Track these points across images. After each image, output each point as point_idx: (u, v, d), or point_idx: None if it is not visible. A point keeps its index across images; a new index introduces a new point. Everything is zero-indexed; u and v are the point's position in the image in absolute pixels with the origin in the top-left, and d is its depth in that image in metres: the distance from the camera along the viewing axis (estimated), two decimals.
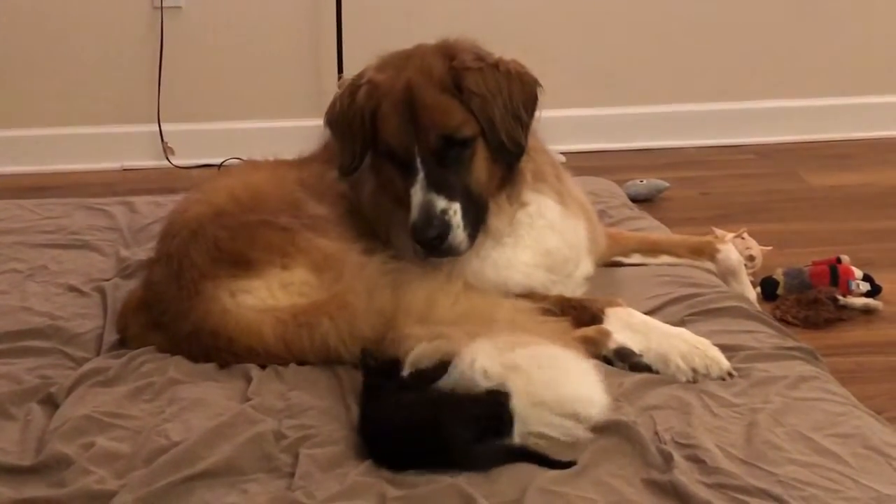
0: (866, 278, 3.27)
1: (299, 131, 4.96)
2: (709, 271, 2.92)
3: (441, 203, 2.35)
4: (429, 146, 2.37)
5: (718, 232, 3.40)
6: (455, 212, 2.36)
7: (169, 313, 2.43)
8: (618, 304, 2.46)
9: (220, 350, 2.35)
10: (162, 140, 5.04)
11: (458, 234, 2.37)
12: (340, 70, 4.88)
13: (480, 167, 2.43)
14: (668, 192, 4.37)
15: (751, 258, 3.37)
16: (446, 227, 2.35)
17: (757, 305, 2.93)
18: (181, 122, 5.04)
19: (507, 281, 2.53)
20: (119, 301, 2.70)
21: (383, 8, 5.06)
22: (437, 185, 2.36)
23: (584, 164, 4.30)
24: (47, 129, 5.06)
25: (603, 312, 2.41)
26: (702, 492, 1.85)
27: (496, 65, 2.44)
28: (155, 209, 3.49)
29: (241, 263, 2.39)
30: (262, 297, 2.37)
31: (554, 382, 2.01)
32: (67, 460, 1.97)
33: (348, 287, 2.33)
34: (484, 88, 2.40)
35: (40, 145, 5.04)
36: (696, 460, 1.96)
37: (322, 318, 2.31)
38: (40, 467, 1.97)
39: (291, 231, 2.44)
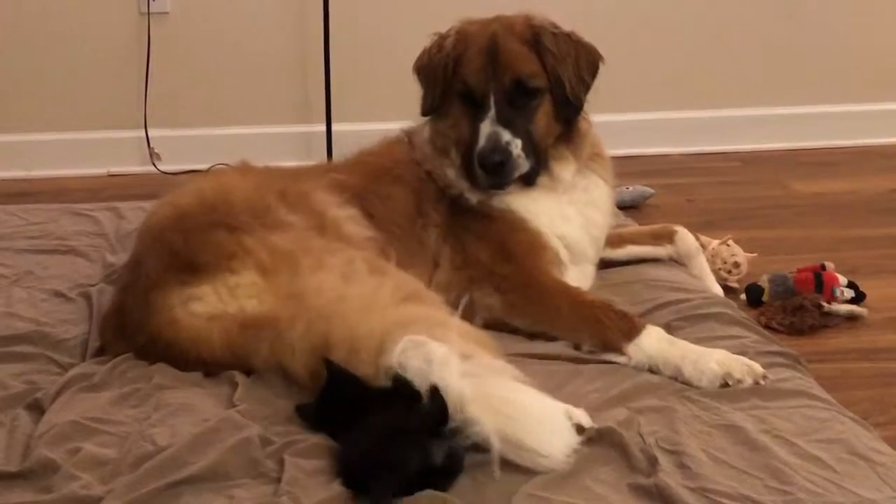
0: (851, 285, 3.28)
1: (286, 137, 5.05)
2: (670, 257, 3.11)
3: (506, 136, 2.67)
4: (503, 87, 2.70)
5: (703, 239, 3.41)
6: (517, 146, 2.68)
7: (129, 324, 2.43)
8: (655, 325, 2.53)
9: (175, 360, 2.35)
10: (148, 146, 5.03)
11: (519, 163, 2.69)
12: (327, 76, 4.88)
13: (542, 118, 2.75)
14: (654, 199, 4.38)
15: (736, 265, 3.38)
16: (508, 154, 2.67)
17: (720, 291, 3.06)
18: (168, 128, 5.03)
19: (561, 230, 2.79)
20: (105, 307, 2.69)
21: (370, 15, 5.06)
22: (504, 121, 2.68)
23: None
24: (33, 135, 5.04)
25: (644, 326, 2.48)
26: (686, 496, 1.86)
27: (569, 34, 2.81)
28: (141, 215, 3.46)
29: (190, 270, 2.39)
30: (212, 303, 2.36)
31: (519, 428, 1.96)
32: (54, 466, 1.96)
33: (291, 314, 2.27)
34: (557, 48, 2.75)
35: (26, 151, 5.01)
36: (681, 465, 1.97)
37: (264, 336, 2.28)
38: (26, 473, 1.96)
39: (242, 230, 2.43)
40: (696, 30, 5.26)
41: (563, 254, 2.78)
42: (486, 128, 2.67)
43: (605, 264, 3.02)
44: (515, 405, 1.98)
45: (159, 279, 2.39)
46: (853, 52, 5.34)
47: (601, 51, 2.86)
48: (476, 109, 2.72)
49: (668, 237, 3.13)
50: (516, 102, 2.71)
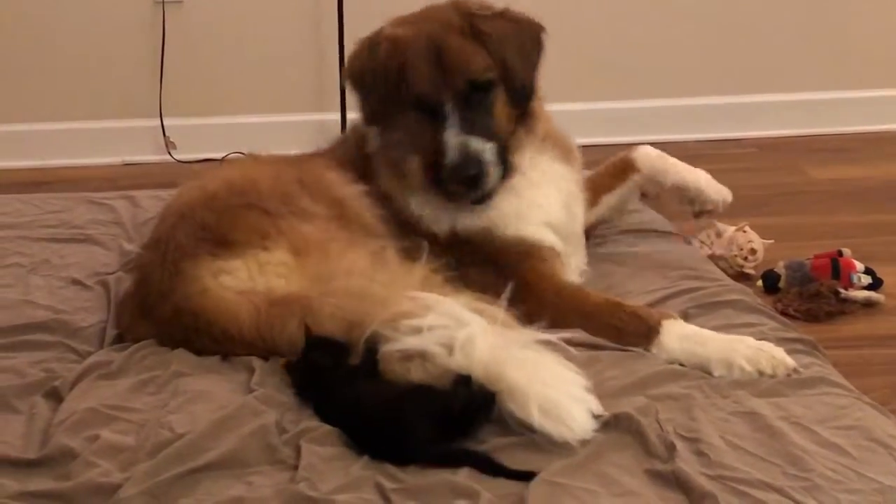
0: (868, 271, 3.27)
1: (301, 126, 5.05)
2: (642, 188, 3.01)
3: (476, 143, 2.49)
4: (457, 91, 2.51)
5: (720, 226, 3.40)
6: (490, 152, 2.50)
7: (153, 295, 2.43)
8: (671, 317, 2.44)
9: (199, 332, 2.34)
10: (164, 134, 5.04)
11: (494, 173, 2.51)
12: (342, 64, 4.87)
13: (501, 110, 2.57)
14: None
15: (752, 251, 3.38)
16: (483, 165, 2.49)
17: (719, 187, 3.01)
18: (183, 117, 5.04)
19: (544, 216, 2.64)
20: (122, 295, 2.71)
21: (384, 3, 5.04)
22: (469, 127, 2.50)
23: (584, 158, 4.27)
24: (49, 124, 5.05)
25: (660, 325, 2.39)
26: (704, 483, 1.86)
27: (503, 12, 2.62)
28: (157, 203, 3.48)
29: (223, 244, 2.40)
30: (242, 278, 2.36)
31: (553, 393, 2.01)
32: (72, 453, 1.97)
33: (321, 292, 2.30)
34: (498, 31, 2.56)
35: (42, 140, 5.03)
36: (699, 452, 1.96)
37: (294, 312, 2.29)
38: (45, 460, 1.98)
39: (276, 215, 2.44)
40: (711, 16, 5.23)
41: (556, 242, 2.65)
42: (452, 138, 2.48)
43: (591, 230, 2.97)
44: (551, 372, 2.02)
45: (190, 250, 2.40)
46: (870, 38, 5.31)
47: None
48: (431, 117, 2.53)
49: (631, 166, 2.98)
50: (472, 102, 2.52)
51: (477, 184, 2.51)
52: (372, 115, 2.65)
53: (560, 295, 2.53)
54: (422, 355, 2.10)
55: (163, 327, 2.40)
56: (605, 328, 2.43)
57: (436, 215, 2.62)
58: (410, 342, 2.10)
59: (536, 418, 1.97)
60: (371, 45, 2.63)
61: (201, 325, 2.34)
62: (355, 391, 2.08)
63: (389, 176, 2.66)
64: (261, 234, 2.41)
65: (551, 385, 2.01)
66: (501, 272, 2.54)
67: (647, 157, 2.97)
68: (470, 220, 2.61)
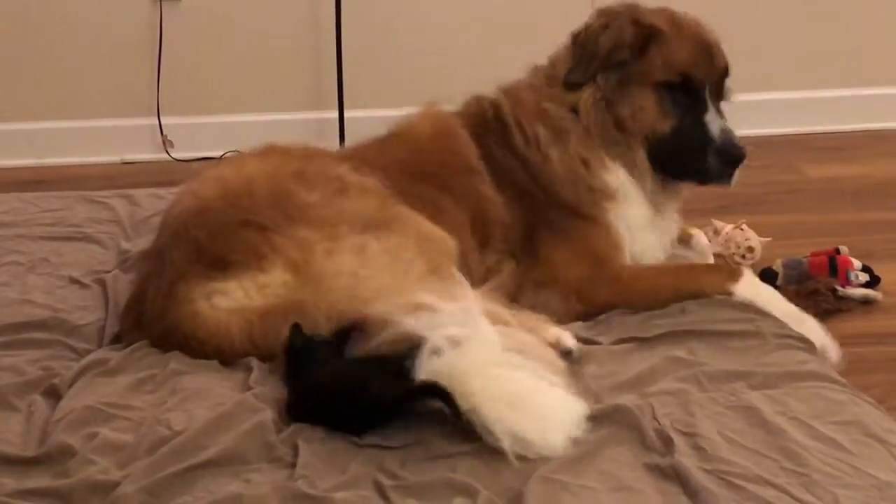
0: (865, 269, 3.28)
1: (299, 124, 5.05)
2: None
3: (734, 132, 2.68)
4: (715, 80, 2.73)
5: (717, 224, 3.41)
6: None
7: (146, 314, 2.43)
8: None
9: (192, 352, 2.34)
10: (161, 133, 5.04)
11: None
12: (339, 63, 4.88)
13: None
14: None
15: (750, 249, 3.38)
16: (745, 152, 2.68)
17: None
18: (180, 116, 5.03)
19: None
20: (120, 293, 2.71)
21: (383, 1, 5.06)
22: (721, 116, 2.71)
23: None
24: (46, 123, 5.05)
25: (738, 269, 2.64)
26: (702, 478, 1.86)
27: None
28: (155, 202, 3.49)
29: (218, 266, 2.37)
30: (238, 299, 2.34)
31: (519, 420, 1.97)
32: (71, 451, 1.97)
33: (312, 295, 2.30)
34: None
35: (39, 139, 5.03)
36: (696, 447, 1.97)
37: (288, 319, 2.28)
38: (44, 458, 1.98)
39: (269, 229, 2.39)
40: (709, 15, 5.21)
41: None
42: (716, 122, 2.69)
43: None
44: (520, 395, 1.97)
45: (185, 271, 2.38)
46: (867, 36, 5.31)
47: None
48: (683, 99, 2.71)
49: (686, 241, 3.10)
50: (718, 93, 2.75)
51: (737, 167, 2.70)
52: (585, 77, 2.72)
53: (626, 268, 2.67)
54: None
55: (156, 344, 2.40)
56: (685, 286, 2.59)
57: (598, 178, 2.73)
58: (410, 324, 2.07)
59: (508, 446, 1.93)
60: (618, 18, 2.73)
61: (193, 346, 2.34)
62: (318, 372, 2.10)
63: (583, 137, 2.73)
64: (256, 254, 2.36)
65: (522, 410, 1.95)
66: (579, 256, 2.64)
67: (700, 244, 3.14)
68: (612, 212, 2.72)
